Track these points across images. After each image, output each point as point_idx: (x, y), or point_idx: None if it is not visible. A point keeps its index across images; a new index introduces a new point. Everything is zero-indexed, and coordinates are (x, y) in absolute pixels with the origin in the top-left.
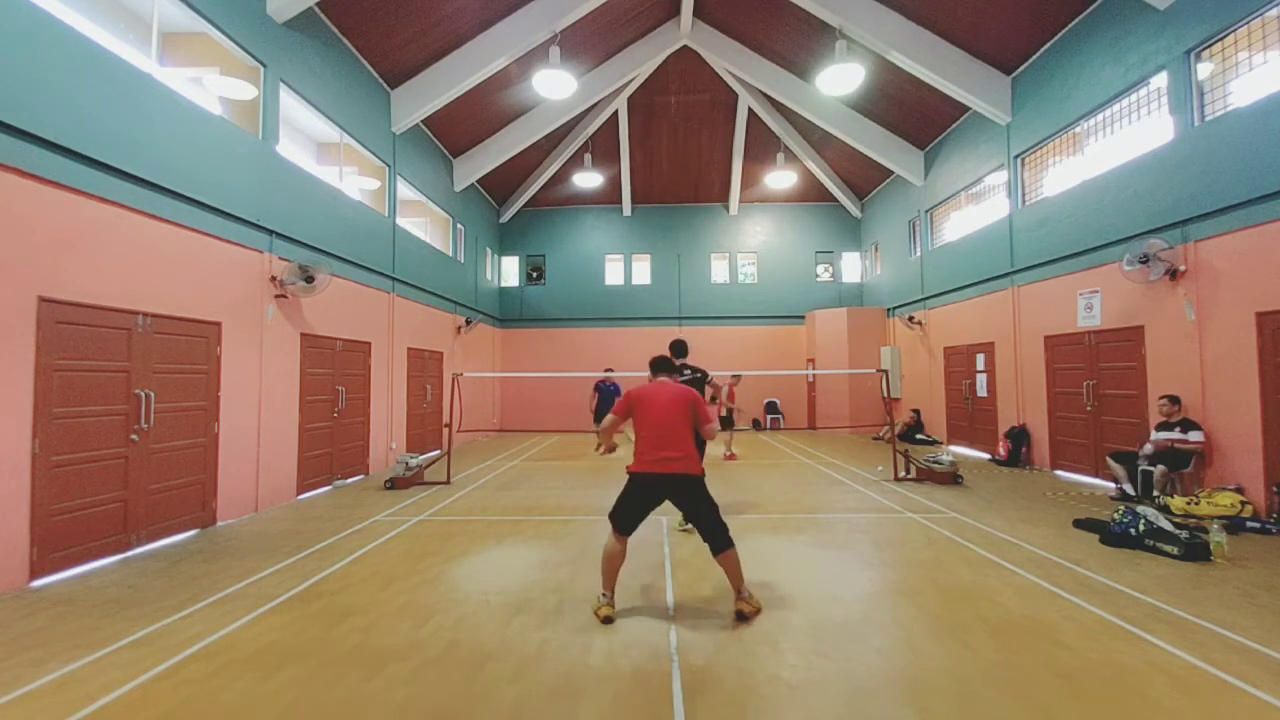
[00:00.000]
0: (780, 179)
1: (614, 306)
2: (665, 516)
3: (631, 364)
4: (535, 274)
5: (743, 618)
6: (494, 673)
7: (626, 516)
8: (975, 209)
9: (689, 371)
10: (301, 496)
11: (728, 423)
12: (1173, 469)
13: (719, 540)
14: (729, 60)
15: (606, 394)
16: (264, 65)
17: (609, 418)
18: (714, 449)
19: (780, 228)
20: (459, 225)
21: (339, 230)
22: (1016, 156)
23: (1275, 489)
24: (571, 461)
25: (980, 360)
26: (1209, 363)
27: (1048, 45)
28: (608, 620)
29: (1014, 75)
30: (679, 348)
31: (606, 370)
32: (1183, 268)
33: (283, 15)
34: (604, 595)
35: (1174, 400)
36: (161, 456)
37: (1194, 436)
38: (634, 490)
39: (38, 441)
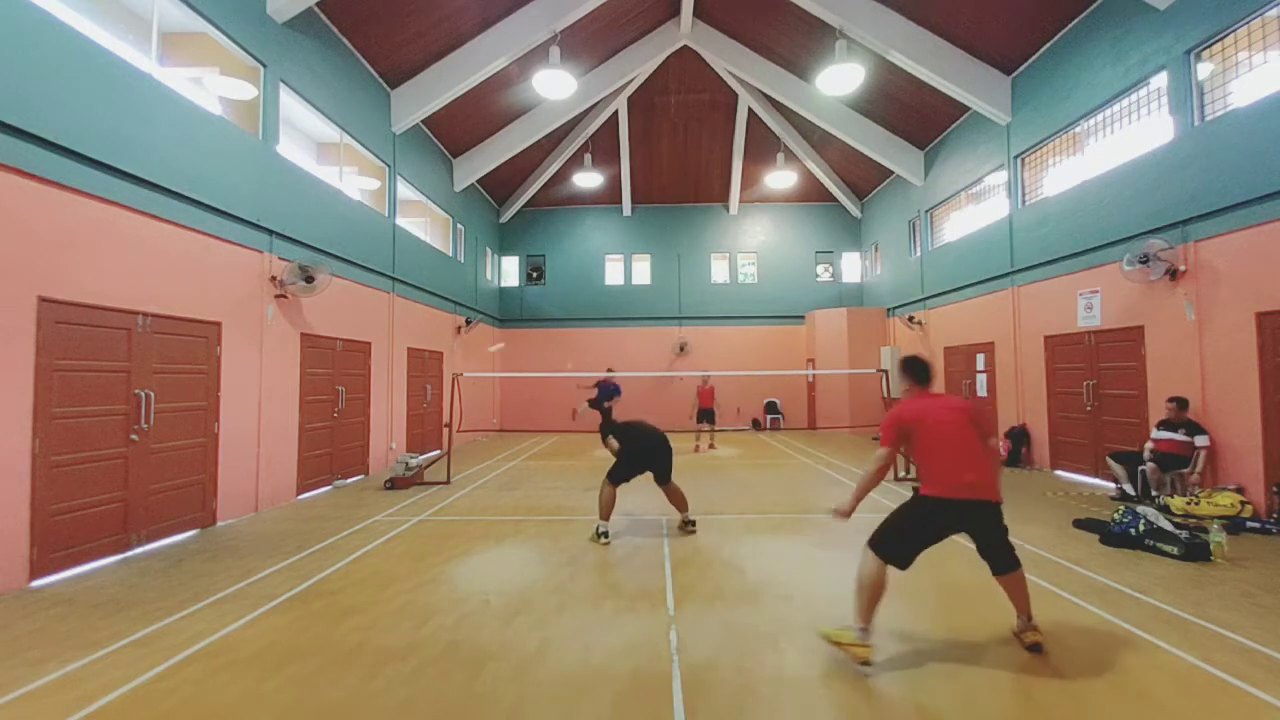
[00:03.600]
0: (780, 179)
1: (614, 306)
2: (665, 516)
3: (632, 364)
4: (535, 274)
5: (1038, 649)
6: (494, 673)
7: (907, 546)
8: (975, 209)
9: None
10: (302, 496)
11: (709, 417)
12: (1170, 469)
13: (1011, 559)
14: (729, 60)
15: (605, 392)
16: (264, 65)
17: (882, 453)
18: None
19: (780, 228)
20: (459, 225)
21: (339, 230)
22: (1016, 156)
23: (1275, 489)
24: (572, 461)
25: (980, 360)
26: (1209, 363)
27: (1048, 45)
28: (865, 664)
29: (1014, 75)
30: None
31: (608, 370)
32: (1183, 268)
33: (283, 15)
34: (861, 629)
35: (1181, 405)
36: (161, 456)
37: (1199, 441)
38: (928, 518)
39: (38, 441)
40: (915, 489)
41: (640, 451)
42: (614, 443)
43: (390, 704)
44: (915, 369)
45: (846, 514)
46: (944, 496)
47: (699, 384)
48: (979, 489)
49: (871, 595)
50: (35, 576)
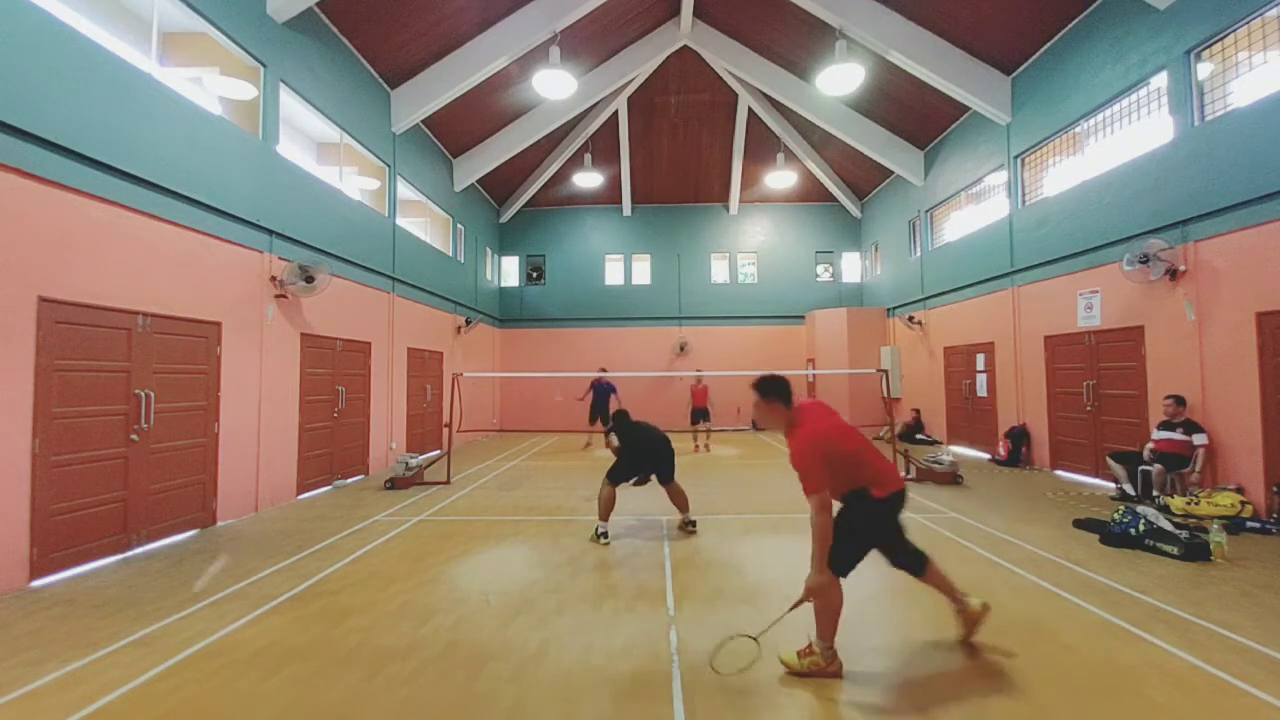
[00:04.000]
0: (780, 179)
1: (614, 306)
2: (666, 516)
3: (632, 364)
4: (535, 274)
5: (987, 608)
6: (494, 673)
7: (860, 555)
8: (975, 209)
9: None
10: (301, 496)
11: (703, 416)
12: (1172, 469)
13: (920, 553)
14: (729, 60)
15: (601, 392)
16: (264, 65)
17: (820, 500)
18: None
19: (780, 228)
20: (459, 225)
21: (339, 230)
22: (1016, 156)
23: (1275, 489)
24: (572, 461)
25: (980, 360)
26: (1209, 363)
27: (1048, 45)
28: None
29: (1014, 75)
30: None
31: (600, 370)
32: (1183, 268)
33: (283, 15)
34: (827, 648)
35: (1179, 401)
36: (161, 456)
37: (1196, 439)
38: (885, 520)
39: (38, 441)
40: (865, 494)
41: (643, 451)
42: (614, 440)
43: (390, 704)
44: (781, 389)
45: (823, 585)
46: (895, 491)
47: (692, 383)
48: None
49: (836, 612)
50: (35, 576)
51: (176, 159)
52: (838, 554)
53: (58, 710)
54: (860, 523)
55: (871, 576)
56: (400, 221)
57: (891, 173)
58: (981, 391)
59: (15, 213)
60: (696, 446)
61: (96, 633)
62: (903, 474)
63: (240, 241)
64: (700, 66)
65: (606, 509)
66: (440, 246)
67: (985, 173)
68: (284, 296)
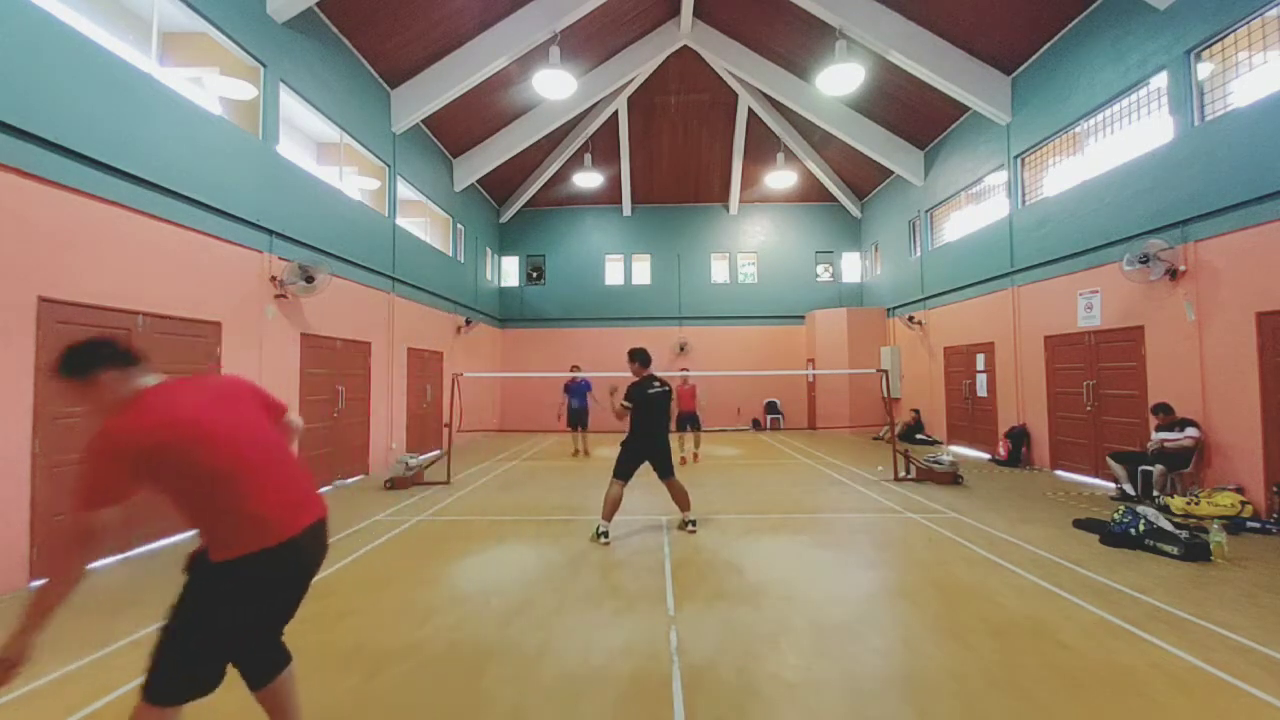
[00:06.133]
0: (780, 179)
1: (614, 306)
2: (666, 516)
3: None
4: (535, 274)
5: None
6: (494, 673)
7: (216, 662)
8: (975, 209)
9: (658, 384)
10: None
11: (693, 422)
12: (1172, 469)
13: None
14: (729, 60)
15: (578, 393)
16: (264, 65)
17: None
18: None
19: (780, 228)
20: (459, 225)
21: (339, 230)
22: (1016, 156)
23: (1275, 489)
24: (572, 461)
25: (980, 360)
26: (1209, 363)
27: (1048, 45)
28: None
29: (1014, 75)
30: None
31: (573, 369)
32: (1183, 268)
33: (283, 15)
34: None
35: (1166, 410)
36: None
37: (1189, 432)
38: (257, 595)
39: (38, 442)
40: (201, 560)
41: (647, 412)
42: (626, 407)
43: (390, 704)
44: (106, 353)
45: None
46: (271, 545)
47: (679, 383)
48: (311, 503)
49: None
50: (35, 577)
51: (176, 159)
52: (186, 661)
53: (58, 710)
54: (202, 612)
55: (869, 578)
56: (400, 221)
57: (891, 173)
58: (981, 391)
59: (15, 213)
60: (683, 459)
61: (97, 633)
62: (902, 474)
63: (240, 241)
64: (700, 66)
65: (611, 508)
66: (440, 246)
67: (985, 173)
68: (284, 296)
